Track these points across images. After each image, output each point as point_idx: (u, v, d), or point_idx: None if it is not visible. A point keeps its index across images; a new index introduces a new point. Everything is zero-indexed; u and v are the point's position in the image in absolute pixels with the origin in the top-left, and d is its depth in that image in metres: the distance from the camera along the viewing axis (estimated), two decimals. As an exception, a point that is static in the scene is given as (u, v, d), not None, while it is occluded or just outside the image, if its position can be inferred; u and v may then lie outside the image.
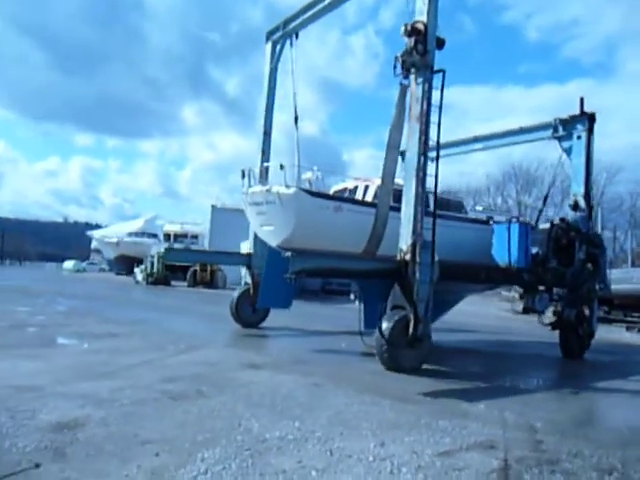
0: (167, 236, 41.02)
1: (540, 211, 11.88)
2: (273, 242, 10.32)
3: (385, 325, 7.80)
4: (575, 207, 11.07)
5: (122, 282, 36.14)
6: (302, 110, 11.53)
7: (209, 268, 31.74)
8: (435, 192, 8.28)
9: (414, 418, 5.38)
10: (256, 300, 11.48)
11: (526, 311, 10.69)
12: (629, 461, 4.44)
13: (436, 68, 8.23)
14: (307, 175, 10.56)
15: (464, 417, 5.56)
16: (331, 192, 11.72)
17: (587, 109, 10.99)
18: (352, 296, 12.20)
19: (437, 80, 8.23)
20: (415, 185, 8.05)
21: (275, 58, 11.77)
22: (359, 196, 11.27)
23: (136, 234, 47.42)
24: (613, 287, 18.95)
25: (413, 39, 8.03)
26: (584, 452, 4.63)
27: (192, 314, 16.22)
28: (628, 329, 17.69)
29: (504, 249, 10.09)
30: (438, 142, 8.18)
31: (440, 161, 8.31)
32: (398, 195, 8.70)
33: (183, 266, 32.55)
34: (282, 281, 11.41)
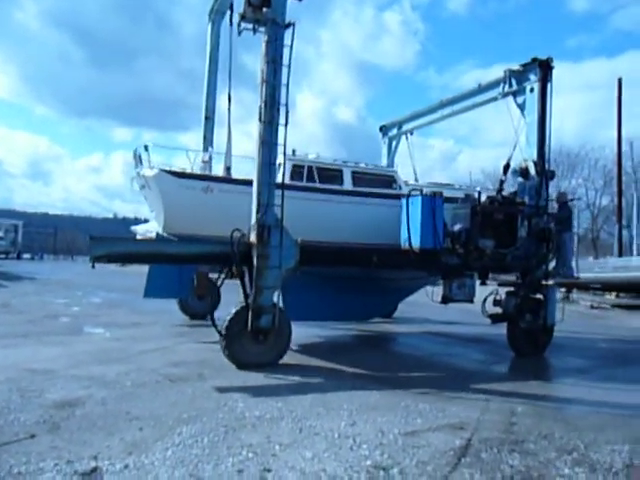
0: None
1: (501, 182, 9.66)
2: (160, 228, 9.71)
3: (227, 315, 7.12)
4: (524, 174, 9.21)
5: (163, 275, 37.57)
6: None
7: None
8: (284, 162, 7.49)
9: (396, 401, 5.60)
10: (198, 290, 10.57)
11: (444, 301, 8.72)
12: (595, 443, 4.52)
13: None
14: (205, 157, 10.17)
15: (447, 401, 5.72)
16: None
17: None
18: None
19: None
20: (260, 155, 7.12)
21: (214, 38, 11.07)
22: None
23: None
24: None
25: None
26: (554, 434, 4.73)
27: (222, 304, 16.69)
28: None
29: (404, 227, 8.56)
30: (287, 105, 7.20)
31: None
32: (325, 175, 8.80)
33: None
34: (170, 270, 10.81)
